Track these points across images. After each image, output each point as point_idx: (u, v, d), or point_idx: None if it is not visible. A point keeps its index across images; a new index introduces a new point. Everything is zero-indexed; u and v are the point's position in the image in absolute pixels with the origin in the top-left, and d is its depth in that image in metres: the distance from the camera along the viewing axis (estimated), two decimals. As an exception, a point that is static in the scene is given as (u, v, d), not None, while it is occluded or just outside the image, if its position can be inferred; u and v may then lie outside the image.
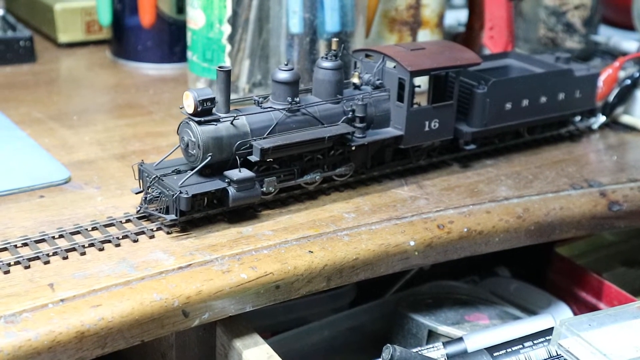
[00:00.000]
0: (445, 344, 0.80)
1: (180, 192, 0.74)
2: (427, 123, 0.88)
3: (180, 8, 1.24)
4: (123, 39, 1.26)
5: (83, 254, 0.73)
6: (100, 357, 0.67)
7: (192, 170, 0.77)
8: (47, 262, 0.71)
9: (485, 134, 0.94)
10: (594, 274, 1.00)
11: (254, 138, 0.79)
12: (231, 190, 0.76)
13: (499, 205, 0.88)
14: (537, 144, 1.03)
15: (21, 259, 0.70)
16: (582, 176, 0.96)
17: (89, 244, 0.74)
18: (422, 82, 0.94)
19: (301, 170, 0.83)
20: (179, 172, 0.78)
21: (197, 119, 0.77)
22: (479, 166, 0.97)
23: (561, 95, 0.99)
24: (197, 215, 0.78)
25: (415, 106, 0.88)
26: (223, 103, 0.79)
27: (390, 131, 0.87)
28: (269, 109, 0.81)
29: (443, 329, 0.87)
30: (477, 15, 1.30)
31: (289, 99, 0.81)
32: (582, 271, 1.01)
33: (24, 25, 1.30)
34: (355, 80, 0.89)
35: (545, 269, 1.05)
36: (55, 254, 0.72)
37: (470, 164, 0.96)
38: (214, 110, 0.78)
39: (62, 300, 0.66)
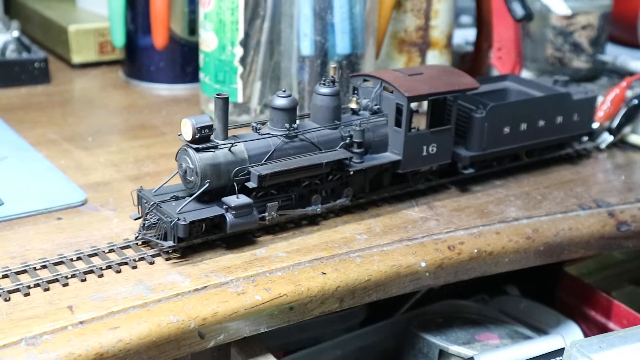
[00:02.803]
0: (456, 364, 0.82)
1: (178, 219, 0.75)
2: (425, 147, 0.88)
3: (192, 29, 1.25)
4: (136, 59, 1.28)
5: (101, 276, 0.74)
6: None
7: (190, 196, 0.78)
8: (65, 285, 0.72)
9: (483, 157, 0.95)
10: (603, 293, 1.00)
11: (252, 164, 0.79)
12: (229, 217, 0.77)
13: (508, 226, 0.89)
14: (546, 164, 1.04)
15: (40, 281, 0.72)
16: (590, 196, 0.97)
17: (106, 266, 0.75)
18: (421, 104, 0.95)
19: (299, 196, 0.83)
20: (177, 198, 0.79)
21: (195, 146, 0.77)
22: (488, 187, 0.98)
23: (559, 119, 1.00)
24: (196, 241, 0.78)
25: (413, 130, 0.88)
26: (221, 130, 0.80)
27: (388, 156, 0.88)
28: (266, 136, 0.82)
29: (454, 348, 0.88)
30: (485, 35, 1.32)
31: (287, 125, 0.82)
32: (591, 290, 1.02)
33: (38, 47, 1.32)
34: (353, 105, 0.90)
35: (554, 287, 1.06)
36: (73, 276, 0.73)
37: (479, 184, 0.98)
38: (212, 137, 0.79)
39: (81, 323, 0.68)
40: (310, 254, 0.80)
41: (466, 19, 1.61)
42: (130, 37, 1.26)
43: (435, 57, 1.20)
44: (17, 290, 0.71)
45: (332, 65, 0.88)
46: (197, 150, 0.77)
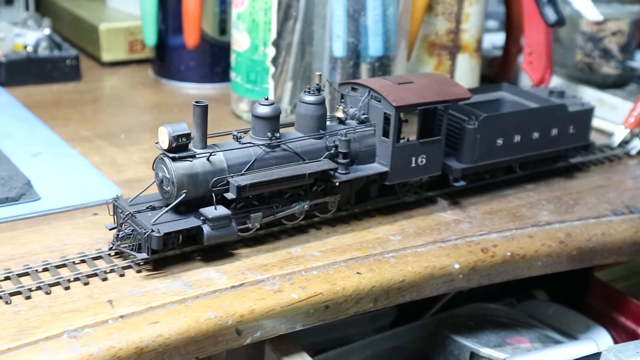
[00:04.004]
0: (488, 366, 0.82)
1: (152, 231, 0.72)
2: (413, 159, 0.86)
3: (223, 29, 1.26)
4: (166, 58, 1.28)
5: (139, 271, 0.75)
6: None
7: (166, 207, 0.76)
8: (105, 279, 0.73)
9: (475, 170, 0.92)
10: (633, 300, 1.00)
11: (231, 175, 0.76)
12: (206, 229, 0.74)
13: (541, 229, 0.89)
14: (577, 169, 1.04)
15: (80, 275, 0.73)
16: (622, 202, 0.97)
17: (144, 262, 0.76)
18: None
19: (282, 208, 0.80)
20: (153, 208, 0.77)
21: (171, 155, 0.75)
22: (520, 190, 0.98)
23: (554, 131, 0.97)
24: (170, 253, 0.76)
25: (402, 141, 0.85)
26: (199, 138, 0.77)
27: (375, 167, 0.85)
28: (247, 145, 0.79)
29: (485, 351, 0.88)
30: (514, 40, 1.32)
31: (269, 134, 0.79)
32: (621, 296, 1.01)
33: (69, 45, 1.33)
34: (340, 114, 0.87)
35: (583, 292, 1.06)
36: (112, 271, 0.74)
37: (510, 188, 0.98)
38: (190, 145, 0.76)
39: (121, 317, 0.68)
40: (345, 253, 0.81)
41: (492, 23, 1.61)
42: (161, 37, 1.27)
43: (465, 61, 1.20)
44: (58, 283, 0.71)
45: (317, 73, 0.83)
46: (174, 159, 0.75)
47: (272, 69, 1.09)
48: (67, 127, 1.08)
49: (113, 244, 0.76)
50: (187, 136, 0.75)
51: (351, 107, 0.87)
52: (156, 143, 0.76)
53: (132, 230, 0.74)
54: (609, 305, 1.02)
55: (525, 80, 1.30)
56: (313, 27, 1.07)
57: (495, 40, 1.48)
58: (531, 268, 0.87)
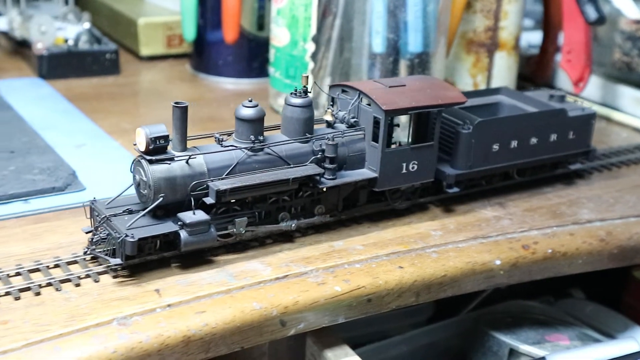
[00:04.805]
0: (528, 363, 0.82)
1: (126, 235, 0.70)
2: (404, 165, 0.83)
3: (261, 25, 1.27)
4: (204, 53, 1.29)
5: (184, 262, 0.75)
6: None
7: (143, 211, 0.73)
8: (151, 269, 0.74)
9: (470, 176, 0.89)
10: (671, 299, 1.00)
11: (211, 179, 0.74)
12: (183, 234, 0.72)
13: (582, 227, 0.89)
14: (617, 167, 1.04)
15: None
16: (663, 201, 0.97)
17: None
18: (405, 119, 0.89)
19: (266, 213, 0.78)
20: (130, 212, 0.74)
21: (149, 157, 0.72)
22: (558, 188, 0.98)
23: (553, 137, 0.93)
24: (149, 258, 0.73)
25: (394, 146, 0.83)
26: (179, 141, 0.74)
27: (364, 173, 0.82)
28: (229, 148, 0.76)
29: (525, 348, 0.88)
30: (552, 38, 1.32)
31: (252, 137, 0.76)
32: (659, 296, 1.01)
33: (108, 39, 1.34)
34: (329, 117, 0.84)
35: (620, 291, 1.06)
36: (159, 260, 0.75)
37: (549, 186, 0.98)
38: (169, 148, 0.74)
39: (169, 306, 0.69)
40: (387, 247, 0.81)
41: (528, 22, 1.61)
42: (200, 32, 1.28)
43: (503, 59, 1.20)
44: (106, 272, 0.72)
45: (304, 74, 0.81)
46: (151, 162, 0.72)
47: (311, 65, 1.10)
48: (108, 120, 1.09)
49: (88, 248, 0.73)
50: (165, 138, 0.72)
51: (341, 111, 0.84)
52: (134, 145, 0.73)
53: (107, 235, 0.72)
54: (648, 304, 1.02)
55: (563, 79, 1.29)
56: (353, 23, 1.07)
57: (531, 38, 1.48)
58: (572, 266, 0.87)
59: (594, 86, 1.25)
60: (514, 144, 0.91)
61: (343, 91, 0.85)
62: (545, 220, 0.89)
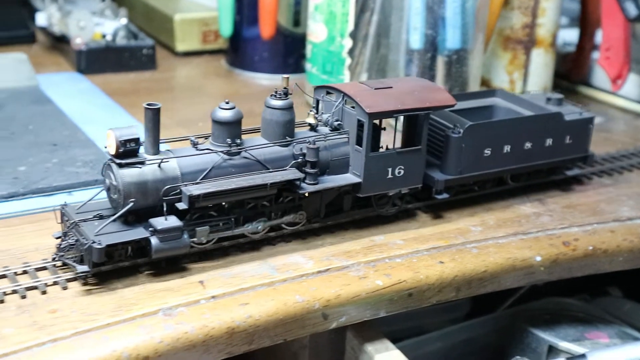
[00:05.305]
0: (569, 360, 0.82)
1: (93, 242, 0.67)
2: (390, 170, 0.79)
3: (297, 21, 1.27)
4: (240, 49, 1.30)
5: (229, 254, 0.76)
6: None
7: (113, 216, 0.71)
8: (195, 261, 0.75)
9: (460, 182, 0.86)
10: None
11: (185, 183, 0.71)
12: (154, 241, 0.69)
13: (622, 225, 0.89)
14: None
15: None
16: None
17: (231, 245, 0.77)
18: (394, 123, 0.84)
19: (243, 219, 0.76)
20: (101, 217, 0.72)
21: (118, 161, 0.70)
22: (598, 185, 0.97)
23: (549, 141, 0.90)
24: (121, 265, 0.71)
25: (382, 150, 0.80)
26: (151, 144, 0.72)
27: (348, 178, 0.79)
28: (205, 151, 0.73)
29: (564, 345, 0.87)
30: (589, 36, 1.31)
31: (229, 140, 0.74)
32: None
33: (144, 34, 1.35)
34: (311, 120, 0.80)
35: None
36: (203, 253, 0.75)
37: (587, 184, 0.97)
38: (141, 151, 0.71)
39: (213, 297, 0.70)
40: (427, 242, 0.81)
41: (563, 19, 1.60)
42: (236, 28, 1.29)
43: (540, 56, 1.20)
44: (149, 263, 0.73)
45: (284, 75, 0.78)
46: (121, 165, 0.70)
47: (348, 60, 1.10)
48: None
49: (56, 255, 0.71)
50: (136, 141, 0.70)
51: (324, 113, 0.81)
52: (105, 147, 0.71)
53: (76, 241, 0.70)
54: (687, 304, 1.01)
55: (600, 77, 1.29)
56: (390, 19, 1.07)
57: (566, 36, 1.47)
58: (612, 263, 0.87)
59: (632, 84, 1.24)
60: (507, 148, 0.87)
61: (328, 93, 0.82)
62: (585, 217, 0.89)
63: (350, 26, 1.09)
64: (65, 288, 0.69)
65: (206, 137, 0.76)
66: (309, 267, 0.75)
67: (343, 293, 0.73)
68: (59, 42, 1.33)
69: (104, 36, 1.28)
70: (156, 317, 0.67)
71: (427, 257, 0.79)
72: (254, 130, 0.79)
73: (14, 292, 0.68)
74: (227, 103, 0.74)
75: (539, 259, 0.82)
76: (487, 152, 0.86)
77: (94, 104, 1.10)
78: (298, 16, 1.27)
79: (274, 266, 0.75)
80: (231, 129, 0.74)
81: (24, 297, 0.68)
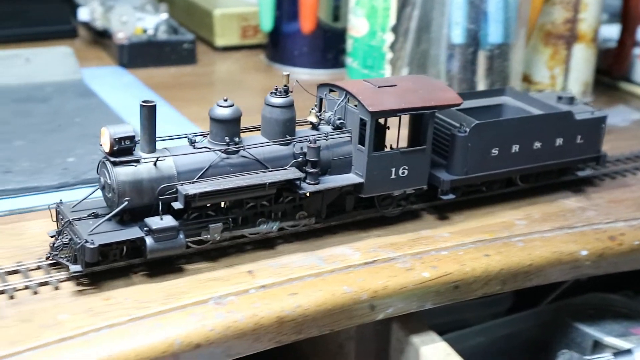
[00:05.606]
0: (615, 355, 0.81)
1: (86, 242, 0.66)
2: (393, 170, 0.77)
3: (337, 16, 1.28)
4: (279, 44, 1.31)
5: (276, 245, 0.77)
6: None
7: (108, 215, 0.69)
8: (244, 251, 0.75)
9: (466, 182, 0.84)
10: None
11: (181, 182, 0.70)
12: (149, 240, 0.68)
13: (669, 220, 0.88)
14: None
15: (221, 246, 0.75)
16: None
17: (278, 236, 0.77)
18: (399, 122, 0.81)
19: (243, 219, 0.74)
20: (96, 216, 0.70)
21: (113, 159, 0.68)
22: (645, 181, 0.97)
23: (559, 141, 0.87)
24: (104, 267, 0.69)
25: (386, 150, 0.78)
26: (147, 142, 0.70)
27: (350, 178, 0.77)
28: (202, 150, 0.72)
29: (609, 340, 0.87)
30: (630, 31, 1.30)
31: (227, 138, 0.72)
32: None
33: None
34: (312, 119, 0.79)
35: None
36: (250, 243, 0.76)
37: (635, 177, 0.96)
38: (137, 149, 0.70)
39: (262, 287, 0.70)
40: (473, 235, 0.81)
41: (603, 15, 1.59)
42: (276, 23, 1.30)
43: (582, 51, 1.19)
44: (199, 253, 0.74)
45: (284, 73, 0.76)
46: (115, 164, 0.68)
47: (389, 55, 1.10)
48: (189, 108, 1.11)
49: (50, 254, 0.70)
50: (131, 139, 0.68)
51: (327, 112, 0.80)
52: (100, 145, 0.70)
53: (70, 240, 0.68)
54: None
55: (642, 72, 1.28)
56: (432, 14, 1.07)
57: (606, 32, 1.45)
58: (659, 258, 0.86)
59: (674, 80, 1.23)
60: (515, 148, 0.85)
61: (331, 91, 0.80)
62: (631, 212, 0.89)
63: (392, 20, 1.09)
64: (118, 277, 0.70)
65: (205, 135, 0.74)
66: (356, 259, 0.76)
67: (390, 284, 0.74)
68: (100, 37, 1.34)
69: (145, 31, 1.30)
70: (207, 305, 0.67)
71: (472, 250, 0.79)
72: (254, 129, 0.77)
73: (69, 279, 0.69)
74: (226, 100, 0.73)
75: (585, 253, 0.82)
76: (495, 152, 0.84)
77: (137, 97, 1.10)
78: (338, 11, 1.28)
79: (321, 257, 0.76)
80: (229, 127, 0.72)
81: (79, 284, 0.69)
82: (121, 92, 1.13)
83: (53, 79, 1.12)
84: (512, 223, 0.85)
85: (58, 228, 0.71)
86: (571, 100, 0.92)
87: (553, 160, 0.88)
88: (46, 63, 1.13)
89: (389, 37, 1.10)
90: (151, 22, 1.31)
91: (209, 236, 0.72)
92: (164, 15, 1.33)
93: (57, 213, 0.72)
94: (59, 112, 1.02)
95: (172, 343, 0.63)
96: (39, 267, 0.70)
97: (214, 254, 0.74)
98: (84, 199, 0.72)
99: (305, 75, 1.29)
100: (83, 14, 1.33)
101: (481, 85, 1.09)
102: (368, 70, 1.13)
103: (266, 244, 0.77)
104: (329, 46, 1.29)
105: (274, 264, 0.74)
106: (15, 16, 1.36)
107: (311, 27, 1.24)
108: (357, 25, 1.13)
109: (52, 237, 0.71)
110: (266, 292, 0.70)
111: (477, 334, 0.93)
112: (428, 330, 0.79)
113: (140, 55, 1.26)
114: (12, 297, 0.66)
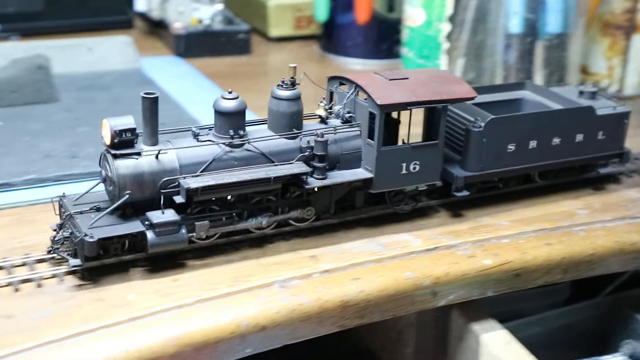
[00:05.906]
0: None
1: (85, 235, 0.65)
2: (404, 165, 0.75)
3: (391, 7, 1.28)
4: (334, 34, 1.31)
5: (335, 231, 0.77)
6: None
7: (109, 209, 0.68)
8: (305, 236, 0.76)
9: (481, 178, 0.81)
10: None
11: (183, 176, 0.68)
12: (150, 235, 0.66)
13: None
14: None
15: (284, 231, 0.76)
16: None
17: (338, 222, 0.78)
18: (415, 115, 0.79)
19: (248, 214, 0.72)
20: (98, 209, 0.69)
21: (113, 151, 0.67)
22: None
23: (579, 137, 0.85)
24: (108, 261, 0.68)
25: (400, 144, 0.77)
26: (149, 134, 0.69)
27: (359, 173, 0.75)
28: (206, 143, 0.70)
29: (671, 331, 0.86)
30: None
31: (231, 131, 0.71)
32: None
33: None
34: (321, 112, 0.77)
35: None
36: (311, 229, 0.77)
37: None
38: (138, 142, 0.69)
39: (326, 271, 0.71)
40: (533, 224, 0.81)
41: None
42: (331, 13, 1.30)
43: (641, 41, 1.18)
44: (264, 238, 0.75)
45: (291, 65, 0.75)
46: (116, 156, 0.67)
47: (446, 45, 1.10)
48: (246, 97, 1.09)
49: (52, 248, 0.69)
50: (132, 131, 0.67)
51: (336, 105, 0.78)
52: (102, 138, 0.69)
53: (71, 233, 0.67)
54: None
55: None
56: (490, 4, 1.07)
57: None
58: None
59: None
60: (532, 144, 0.82)
61: (341, 84, 0.78)
62: (693, 204, 0.88)
63: (449, 10, 1.09)
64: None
65: (210, 128, 0.73)
66: (417, 245, 0.76)
67: (452, 271, 0.74)
68: (156, 27, 1.36)
69: (200, 21, 1.31)
70: (272, 288, 0.68)
71: (533, 239, 0.79)
72: (261, 122, 0.76)
73: (137, 260, 0.70)
74: (230, 93, 0.71)
75: (647, 243, 0.82)
76: (511, 147, 0.81)
77: (195, 86, 1.13)
78: (392, 1, 1.28)
79: (382, 243, 0.76)
80: (234, 120, 0.71)
81: (146, 266, 0.70)
82: (179, 81, 1.14)
83: (113, 68, 1.14)
84: (574, 212, 0.84)
85: (60, 221, 0.70)
86: (593, 94, 0.90)
87: (573, 157, 0.86)
88: (107, 52, 1.15)
89: (446, 27, 1.10)
90: (207, 13, 1.32)
91: (200, 234, 0.70)
92: (220, 6, 1.34)
93: (60, 206, 0.71)
94: (120, 99, 1.04)
95: (239, 324, 0.64)
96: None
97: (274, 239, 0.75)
98: (87, 192, 0.71)
99: (358, 66, 1.30)
100: (140, 5, 1.35)
101: (538, 76, 1.09)
102: (424, 60, 1.13)
103: (328, 230, 0.77)
104: (383, 37, 1.29)
105: (336, 250, 0.74)
106: (73, 6, 1.38)
107: (366, 18, 1.25)
108: (413, 15, 1.13)
109: (54, 230, 0.70)
110: (329, 276, 0.71)
111: (535, 324, 0.93)
112: (488, 318, 0.79)
113: (196, 45, 1.27)
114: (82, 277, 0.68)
